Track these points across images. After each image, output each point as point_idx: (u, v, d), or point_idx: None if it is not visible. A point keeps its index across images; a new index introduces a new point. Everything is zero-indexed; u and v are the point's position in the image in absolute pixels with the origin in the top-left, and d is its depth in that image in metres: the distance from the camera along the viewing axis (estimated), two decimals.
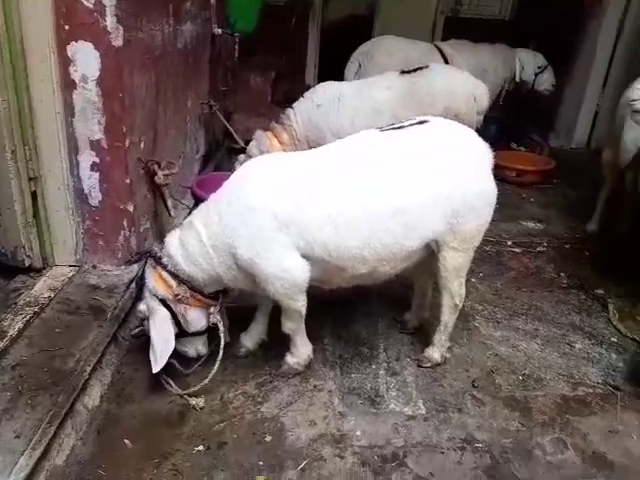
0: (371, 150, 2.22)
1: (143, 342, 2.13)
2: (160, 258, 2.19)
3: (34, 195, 2.56)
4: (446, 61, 4.74)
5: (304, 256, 2.11)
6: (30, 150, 2.49)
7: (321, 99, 3.58)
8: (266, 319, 2.52)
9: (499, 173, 3.41)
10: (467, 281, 2.48)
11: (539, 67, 5.34)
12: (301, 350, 2.39)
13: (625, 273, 3.29)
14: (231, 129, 4.27)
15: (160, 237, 2.79)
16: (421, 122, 2.28)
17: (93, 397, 2.20)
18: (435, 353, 2.52)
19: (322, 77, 6.29)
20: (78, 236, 2.73)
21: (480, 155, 2.29)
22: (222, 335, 2.27)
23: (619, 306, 3.07)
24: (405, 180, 2.13)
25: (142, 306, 2.25)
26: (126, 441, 2.07)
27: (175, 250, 2.18)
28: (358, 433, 2.16)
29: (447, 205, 2.16)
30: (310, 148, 3.51)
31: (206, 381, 2.22)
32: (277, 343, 2.45)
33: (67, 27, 2.37)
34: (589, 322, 2.97)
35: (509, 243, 3.81)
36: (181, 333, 2.23)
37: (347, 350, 2.63)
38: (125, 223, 2.72)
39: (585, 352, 2.72)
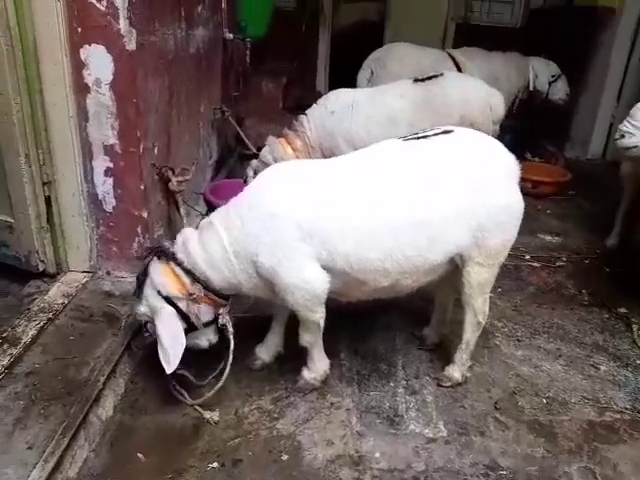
0: (395, 160, 2.15)
1: (156, 351, 2.06)
2: (174, 254, 2.09)
3: (48, 200, 2.53)
4: (459, 69, 4.69)
5: (325, 267, 2.04)
6: (44, 154, 2.46)
7: (334, 106, 3.53)
8: (282, 330, 2.45)
9: None
10: None
11: (553, 76, 5.27)
12: (318, 365, 2.32)
13: None
14: (243, 135, 4.23)
15: None
16: (446, 132, 2.21)
17: (107, 408, 2.16)
18: (456, 372, 2.43)
19: (332, 83, 6.29)
20: (92, 242, 2.69)
21: (507, 167, 2.24)
22: (231, 337, 2.19)
23: None
24: (429, 192, 2.06)
25: (142, 308, 2.12)
26: (139, 455, 2.01)
27: (194, 248, 2.08)
28: (377, 455, 2.08)
29: (472, 218, 2.10)
30: (323, 155, 3.49)
31: (220, 384, 2.15)
32: (293, 356, 2.37)
33: (80, 30, 2.33)
34: (613, 342, 2.87)
35: (527, 257, 3.73)
36: (189, 328, 2.12)
37: (364, 366, 2.55)
38: (139, 229, 2.67)
39: (610, 374, 2.62)
